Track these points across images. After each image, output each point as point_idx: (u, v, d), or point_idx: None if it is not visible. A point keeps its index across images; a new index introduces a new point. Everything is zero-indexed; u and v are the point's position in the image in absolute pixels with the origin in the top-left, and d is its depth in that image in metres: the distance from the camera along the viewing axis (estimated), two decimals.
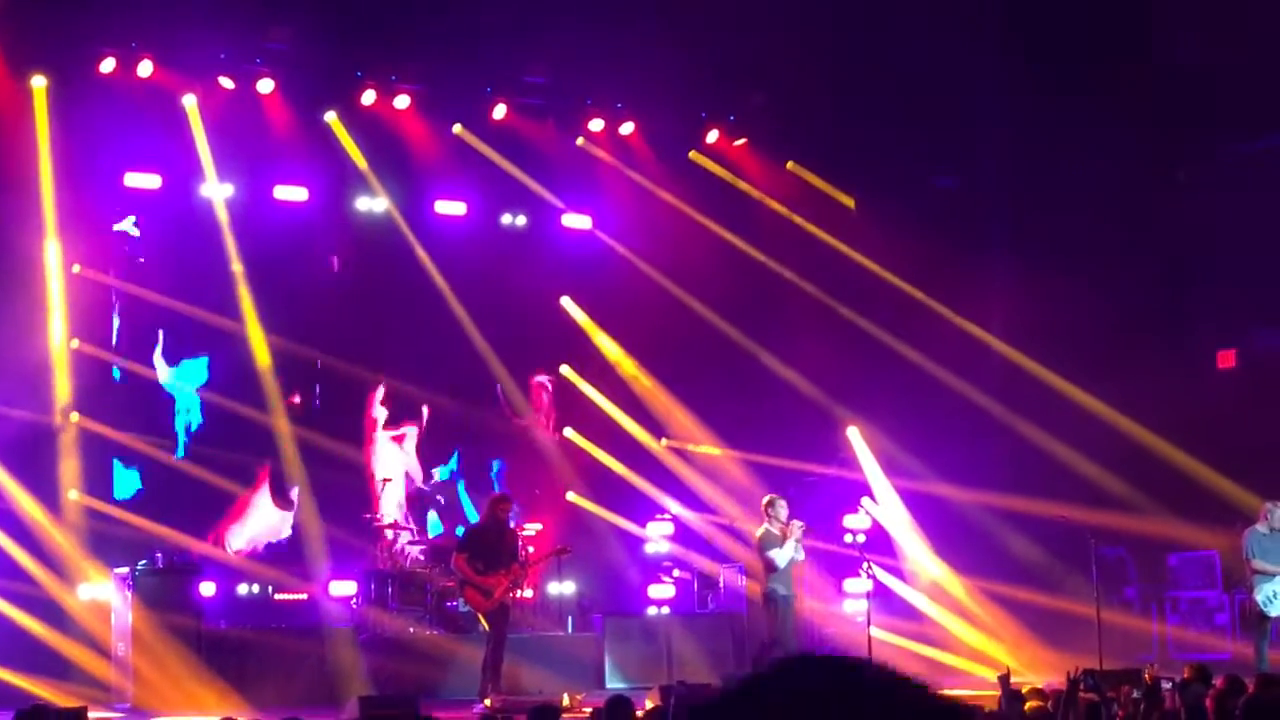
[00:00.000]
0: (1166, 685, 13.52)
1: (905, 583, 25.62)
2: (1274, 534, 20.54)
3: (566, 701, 19.06)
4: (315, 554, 23.65)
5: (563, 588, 24.35)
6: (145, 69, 22.78)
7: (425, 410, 25.18)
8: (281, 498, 23.85)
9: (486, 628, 19.88)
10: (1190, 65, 24.38)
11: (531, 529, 24.74)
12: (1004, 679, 13.90)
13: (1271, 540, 20.49)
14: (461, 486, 25.44)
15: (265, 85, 23.65)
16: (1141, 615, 24.92)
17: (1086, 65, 24.68)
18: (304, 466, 24.21)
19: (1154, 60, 24.64)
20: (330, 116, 24.32)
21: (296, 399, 24.53)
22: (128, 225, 23.52)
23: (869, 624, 20.54)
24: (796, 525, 20.37)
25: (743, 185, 26.84)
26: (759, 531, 20.54)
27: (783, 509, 20.49)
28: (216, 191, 23.76)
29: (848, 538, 25.40)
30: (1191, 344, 25.93)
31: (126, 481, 23.41)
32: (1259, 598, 20.31)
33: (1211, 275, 25.31)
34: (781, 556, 20.14)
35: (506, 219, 26.04)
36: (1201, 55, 24.34)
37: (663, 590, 25.09)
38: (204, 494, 23.40)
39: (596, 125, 25.91)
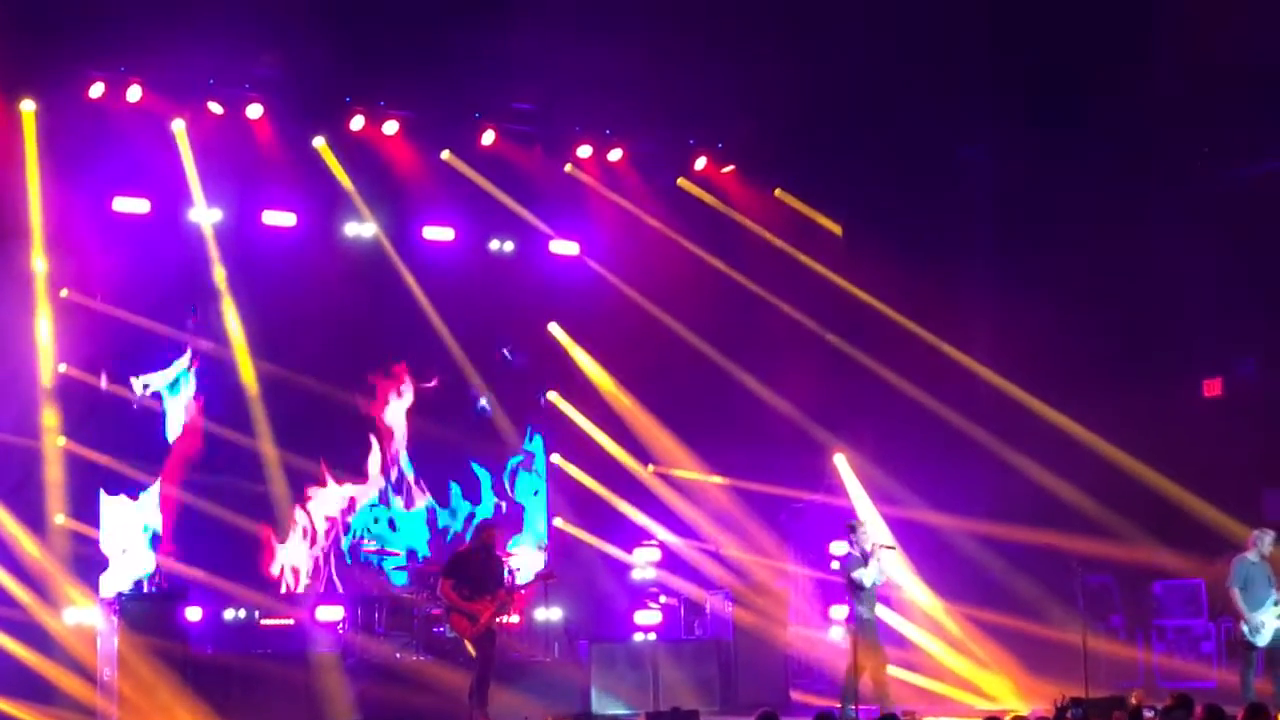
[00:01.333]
0: (1149, 713, 13.53)
1: (891, 610, 25.61)
2: (1262, 562, 20.57)
3: None
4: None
5: (549, 613, 24.33)
6: (134, 94, 22.79)
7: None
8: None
9: (473, 653, 19.86)
10: (1175, 94, 24.44)
11: (518, 555, 24.76)
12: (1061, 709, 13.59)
13: (1259, 569, 20.51)
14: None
15: (254, 110, 23.66)
16: (1127, 643, 24.95)
17: (1073, 94, 24.74)
18: (290, 490, 24.22)
19: (1138, 88, 24.70)
20: (319, 142, 24.34)
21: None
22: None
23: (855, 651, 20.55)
24: (879, 545, 20.56)
25: (730, 212, 26.88)
26: (841, 554, 20.74)
27: (864, 533, 20.67)
28: (205, 216, 23.75)
29: (834, 565, 25.40)
30: (1178, 372, 25.96)
31: None
32: (1244, 628, 20.33)
33: (1198, 304, 25.35)
34: (867, 576, 20.27)
35: (494, 245, 26.05)
36: (1184, 85, 24.41)
37: (649, 616, 25.09)
38: (193, 519, 23.42)
39: (585, 152, 25.95)
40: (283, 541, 24.09)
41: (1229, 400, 25.93)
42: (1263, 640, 20.28)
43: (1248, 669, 20.35)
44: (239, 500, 23.70)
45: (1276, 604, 20.27)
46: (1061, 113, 24.94)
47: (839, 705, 19.82)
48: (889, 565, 20.84)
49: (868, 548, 20.44)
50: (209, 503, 23.43)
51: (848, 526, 21.00)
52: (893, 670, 24.00)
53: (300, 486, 24.30)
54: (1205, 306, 25.29)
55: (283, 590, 23.85)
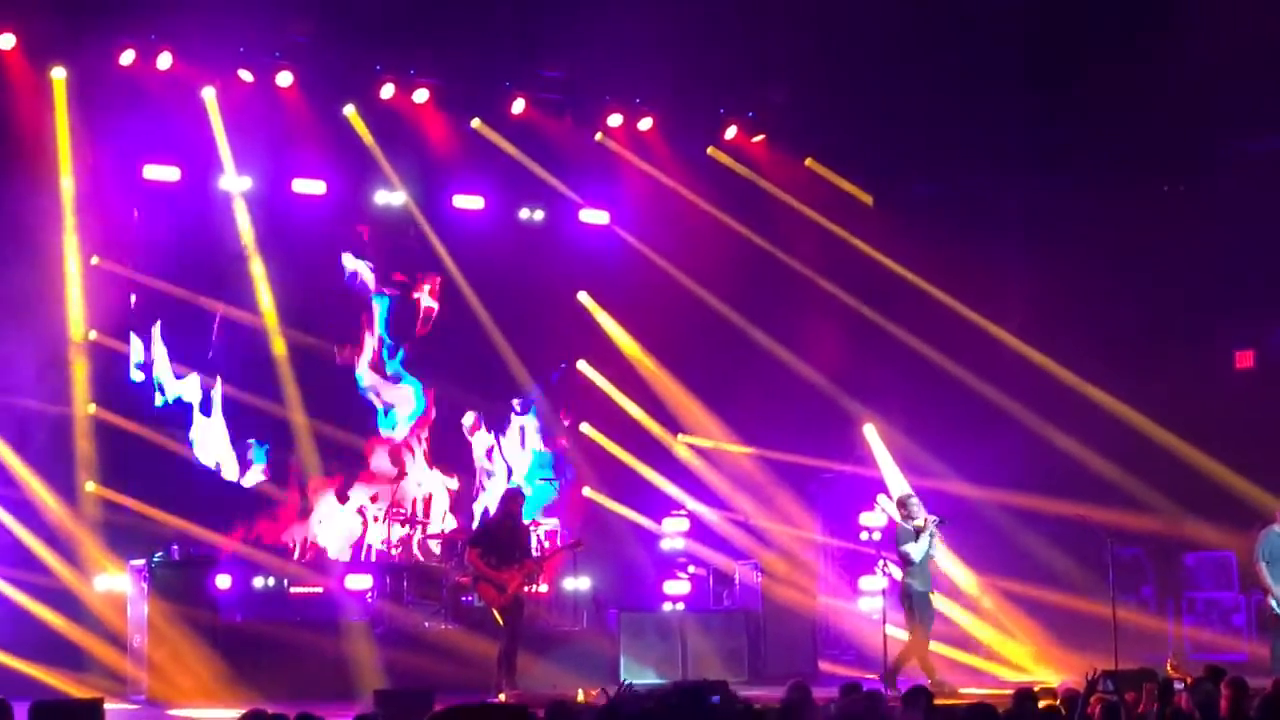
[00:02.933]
0: (1179, 686, 13.49)
1: None
2: None
3: (581, 697, 19.03)
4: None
5: (578, 583, 24.34)
6: (165, 61, 22.78)
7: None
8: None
9: (501, 622, 19.88)
10: (1208, 62, 24.28)
11: (548, 525, 24.74)
12: (1092, 682, 13.30)
13: None
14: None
15: (284, 78, 23.63)
16: (1157, 615, 24.87)
17: (1104, 63, 24.60)
18: (320, 459, 24.27)
19: (1172, 56, 24.54)
20: (349, 110, 24.32)
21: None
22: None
23: (884, 621, 20.58)
24: (930, 519, 20.50)
25: (761, 182, 26.82)
26: (884, 526, 20.80)
27: (916, 506, 20.66)
28: (235, 184, 23.77)
29: (863, 535, 25.41)
30: (1209, 344, 25.86)
31: None
32: (1272, 601, 20.35)
33: (1229, 275, 25.24)
34: (916, 551, 20.30)
35: (524, 214, 26.02)
36: (1220, 51, 24.25)
37: (678, 586, 25.10)
38: (219, 487, 23.51)
39: (615, 120, 25.90)
40: (306, 513, 24.11)
41: (1261, 371, 25.83)
42: None
43: (1278, 641, 20.34)
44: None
45: None
46: (1091, 81, 24.80)
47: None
48: (940, 539, 20.79)
49: (920, 521, 20.42)
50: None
51: (899, 500, 21.04)
52: None
53: (329, 457, 24.34)
54: (1237, 277, 25.17)
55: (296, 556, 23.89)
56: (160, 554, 21.22)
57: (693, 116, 26.38)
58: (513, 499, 20.61)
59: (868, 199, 27.14)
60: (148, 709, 19.75)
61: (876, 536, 24.88)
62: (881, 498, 25.61)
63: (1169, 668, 14.39)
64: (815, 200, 26.86)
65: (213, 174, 23.71)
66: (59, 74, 22.43)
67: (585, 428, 26.23)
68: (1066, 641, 23.44)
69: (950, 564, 25.71)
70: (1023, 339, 26.45)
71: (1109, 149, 25.60)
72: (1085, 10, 24.83)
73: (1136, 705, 13.38)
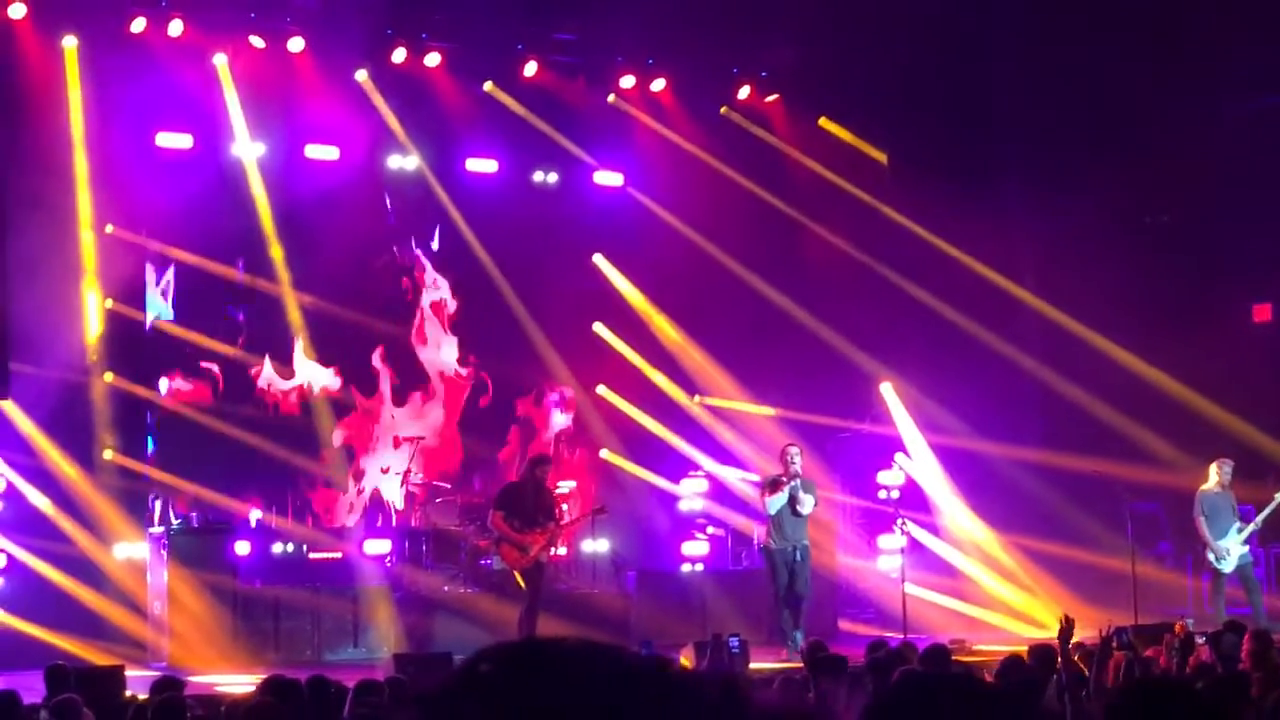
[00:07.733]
0: (1200, 640, 13.51)
1: (939, 538, 25.59)
2: (1225, 491, 20.92)
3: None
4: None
5: (597, 545, 24.37)
6: (176, 28, 22.75)
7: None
8: None
9: (522, 585, 19.92)
10: (1226, 9, 24.18)
11: (565, 486, 24.75)
12: (1066, 630, 13.03)
13: (1223, 498, 20.92)
14: None
15: (296, 44, 23.60)
16: (1175, 570, 24.88)
17: (1119, 12, 24.51)
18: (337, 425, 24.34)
19: (1185, 10, 24.45)
20: (361, 75, 24.28)
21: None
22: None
23: (903, 580, 20.58)
24: (798, 478, 20.40)
25: (775, 141, 26.77)
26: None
27: (794, 456, 20.53)
28: (248, 151, 23.74)
29: (882, 494, 25.39)
30: (1227, 297, 25.80)
31: None
32: (1209, 556, 20.75)
33: (1247, 227, 25.16)
34: (772, 504, 20.27)
35: (538, 176, 25.96)
36: (1235, 6, 24.15)
37: (696, 547, 25.08)
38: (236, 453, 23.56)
39: (628, 82, 25.82)
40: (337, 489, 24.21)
41: (1278, 325, 25.77)
42: (1228, 566, 20.77)
43: (1216, 595, 20.81)
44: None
45: (1240, 530, 20.64)
46: (1101, 35, 24.70)
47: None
48: (806, 500, 20.58)
49: (787, 470, 20.39)
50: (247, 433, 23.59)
51: (782, 449, 21.00)
52: (941, 598, 24.09)
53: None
54: (1255, 230, 25.09)
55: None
56: (179, 521, 21.26)
57: (705, 77, 26.30)
58: (538, 463, 20.66)
59: (881, 157, 27.07)
60: (168, 675, 19.78)
61: (895, 495, 24.87)
62: (900, 457, 25.58)
63: (1177, 629, 14.42)
64: (829, 159, 26.80)
65: (225, 141, 23.68)
66: (70, 43, 22.41)
67: (602, 390, 26.21)
68: (1086, 598, 23.40)
69: (968, 520, 25.73)
70: (1039, 295, 26.41)
71: (1125, 98, 25.50)
72: None
73: (1157, 659, 13.38)
